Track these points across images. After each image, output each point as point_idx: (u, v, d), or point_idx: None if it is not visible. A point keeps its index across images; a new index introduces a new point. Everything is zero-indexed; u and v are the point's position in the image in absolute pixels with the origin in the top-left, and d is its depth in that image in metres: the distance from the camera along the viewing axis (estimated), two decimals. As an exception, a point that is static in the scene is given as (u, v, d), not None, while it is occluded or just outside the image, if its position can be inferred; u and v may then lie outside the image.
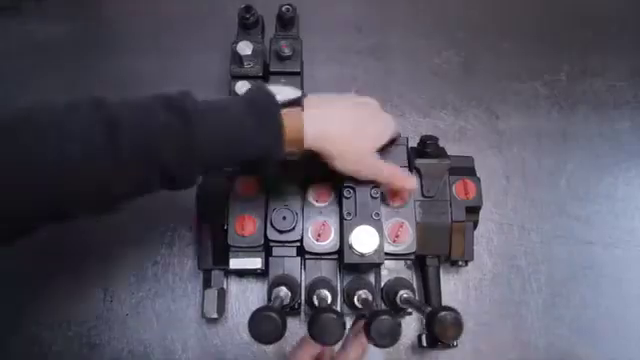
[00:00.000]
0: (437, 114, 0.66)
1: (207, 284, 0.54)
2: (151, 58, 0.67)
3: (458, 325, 0.39)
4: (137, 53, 0.67)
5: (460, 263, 0.56)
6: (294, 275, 0.50)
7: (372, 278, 0.52)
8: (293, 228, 0.50)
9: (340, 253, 0.49)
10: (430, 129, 0.65)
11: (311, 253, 0.50)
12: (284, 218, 0.50)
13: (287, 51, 0.52)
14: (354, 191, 0.48)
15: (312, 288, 0.49)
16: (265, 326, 0.38)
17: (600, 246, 0.61)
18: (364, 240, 0.47)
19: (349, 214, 0.48)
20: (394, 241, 0.50)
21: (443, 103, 0.66)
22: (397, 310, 0.49)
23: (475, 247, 0.59)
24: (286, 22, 0.54)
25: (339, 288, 0.51)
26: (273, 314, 0.38)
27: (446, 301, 0.58)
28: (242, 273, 0.57)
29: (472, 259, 0.54)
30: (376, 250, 0.47)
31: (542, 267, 0.59)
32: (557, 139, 0.65)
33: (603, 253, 0.60)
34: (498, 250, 0.60)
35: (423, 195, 0.53)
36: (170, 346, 0.56)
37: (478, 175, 0.54)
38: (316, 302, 0.48)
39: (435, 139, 0.54)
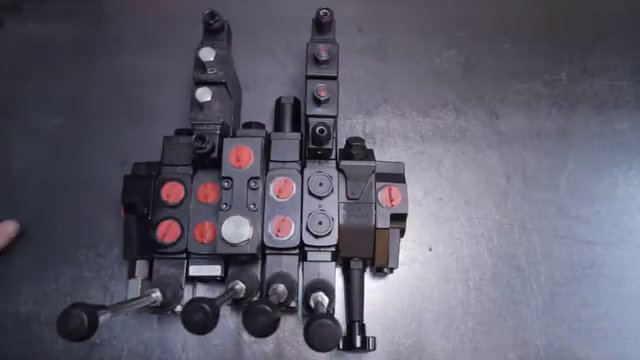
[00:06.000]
0: (437, 114, 0.66)
1: (132, 274, 0.53)
2: (151, 58, 0.67)
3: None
4: (137, 53, 0.67)
5: (385, 270, 0.55)
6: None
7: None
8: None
9: (300, 248, 0.50)
10: (430, 129, 0.65)
11: (271, 248, 0.50)
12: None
13: (325, 55, 0.52)
14: (232, 182, 0.49)
15: (270, 283, 0.49)
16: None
17: (600, 246, 0.61)
18: (234, 231, 0.47)
19: (225, 205, 0.48)
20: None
21: (443, 103, 0.66)
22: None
23: (475, 247, 0.60)
24: (323, 26, 0.53)
25: (300, 285, 0.52)
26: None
27: (446, 300, 0.58)
28: (204, 280, 0.56)
29: (397, 267, 0.54)
30: (248, 241, 0.47)
31: (542, 267, 0.59)
32: (557, 139, 0.65)
33: (603, 253, 0.60)
34: (498, 250, 0.60)
35: (347, 197, 0.52)
36: (170, 346, 0.56)
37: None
38: (274, 297, 0.47)
39: (361, 141, 0.53)
